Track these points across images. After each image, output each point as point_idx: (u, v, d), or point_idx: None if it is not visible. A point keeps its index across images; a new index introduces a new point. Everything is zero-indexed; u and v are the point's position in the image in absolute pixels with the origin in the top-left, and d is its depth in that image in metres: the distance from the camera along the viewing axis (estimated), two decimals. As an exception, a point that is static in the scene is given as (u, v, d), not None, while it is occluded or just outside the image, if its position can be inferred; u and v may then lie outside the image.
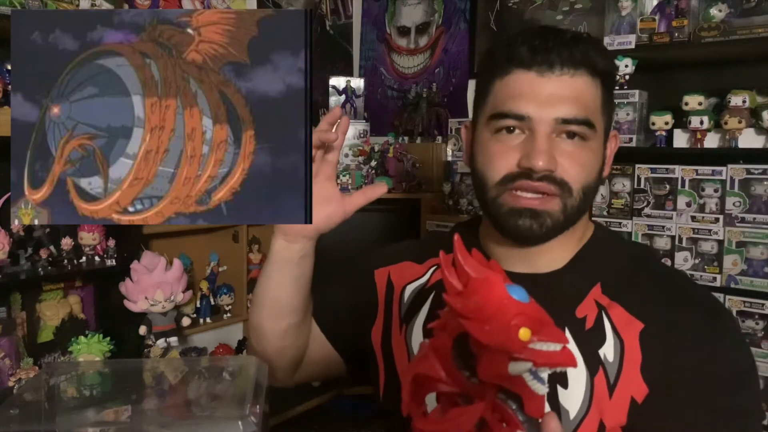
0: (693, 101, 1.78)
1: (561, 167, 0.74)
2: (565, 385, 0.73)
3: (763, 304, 1.67)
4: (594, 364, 0.73)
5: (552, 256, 0.81)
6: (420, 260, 0.93)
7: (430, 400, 0.52)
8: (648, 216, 1.88)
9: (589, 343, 0.74)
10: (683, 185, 1.82)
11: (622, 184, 1.93)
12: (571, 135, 0.74)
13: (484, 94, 0.80)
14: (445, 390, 0.49)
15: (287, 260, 0.83)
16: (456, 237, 0.50)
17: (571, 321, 0.75)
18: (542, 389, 0.44)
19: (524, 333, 0.42)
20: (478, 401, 0.47)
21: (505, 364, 0.42)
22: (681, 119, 1.82)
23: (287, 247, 0.82)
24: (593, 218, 1.08)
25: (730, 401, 0.69)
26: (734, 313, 1.68)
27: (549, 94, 0.73)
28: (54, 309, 1.76)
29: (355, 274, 0.99)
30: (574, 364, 0.44)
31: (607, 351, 0.73)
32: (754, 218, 1.70)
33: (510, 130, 0.76)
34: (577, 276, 0.80)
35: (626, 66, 1.84)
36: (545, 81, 0.73)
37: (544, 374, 0.44)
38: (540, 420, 0.47)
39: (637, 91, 1.86)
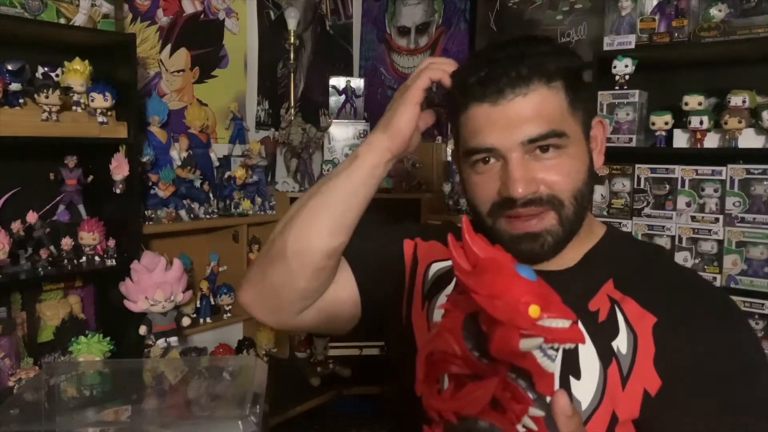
0: (693, 101, 1.78)
1: (544, 183, 0.74)
2: (578, 376, 0.73)
3: (763, 304, 1.67)
4: (607, 356, 0.74)
5: (562, 258, 0.81)
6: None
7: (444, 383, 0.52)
8: (648, 216, 1.87)
9: (602, 335, 0.75)
10: (683, 185, 1.82)
11: (622, 184, 1.93)
12: (544, 149, 0.74)
13: (456, 128, 0.82)
14: (456, 371, 0.49)
15: (374, 176, 0.83)
16: (464, 218, 0.50)
17: (584, 314, 0.76)
18: (552, 366, 0.45)
19: (534, 310, 0.43)
20: (491, 378, 0.47)
21: (516, 340, 0.43)
22: (681, 119, 1.82)
23: (381, 161, 0.82)
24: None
25: (744, 394, 0.69)
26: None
27: (507, 121, 0.73)
28: (54, 309, 1.76)
29: (389, 234, 0.98)
30: (582, 341, 0.44)
31: (620, 343, 0.74)
32: (754, 218, 1.70)
33: (485, 160, 0.77)
34: (589, 272, 0.80)
35: (626, 66, 1.84)
36: (500, 109, 0.73)
37: (553, 352, 0.44)
38: (550, 398, 0.48)
39: (637, 91, 1.86)
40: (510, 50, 0.75)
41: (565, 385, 0.73)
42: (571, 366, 0.74)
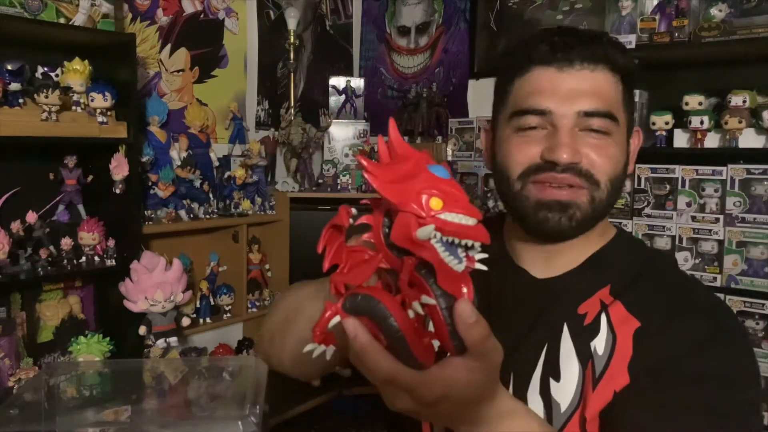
0: (693, 101, 1.78)
1: (586, 158, 0.74)
2: (557, 378, 0.73)
3: (763, 304, 1.67)
4: (585, 356, 0.73)
5: (570, 255, 0.80)
6: None
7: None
8: (648, 216, 1.88)
9: (584, 336, 0.74)
10: (683, 185, 1.82)
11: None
12: (593, 129, 0.74)
13: (504, 94, 0.80)
14: (371, 261, 0.50)
15: None
16: (391, 119, 0.52)
17: (571, 317, 0.76)
18: (457, 265, 0.44)
19: (436, 203, 0.44)
20: (402, 275, 0.48)
21: (413, 227, 0.44)
22: (681, 119, 1.82)
23: None
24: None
25: (709, 399, 0.66)
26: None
27: (570, 89, 0.74)
28: (54, 309, 1.76)
29: None
30: (487, 240, 0.44)
31: (598, 344, 0.73)
32: (754, 218, 1.70)
33: (532, 128, 0.76)
34: (589, 277, 0.79)
35: (626, 66, 1.84)
36: (565, 76, 0.74)
37: (461, 251, 0.44)
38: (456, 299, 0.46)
39: (637, 91, 1.85)
40: (585, 32, 0.77)
41: (545, 387, 0.73)
42: (551, 367, 0.73)
